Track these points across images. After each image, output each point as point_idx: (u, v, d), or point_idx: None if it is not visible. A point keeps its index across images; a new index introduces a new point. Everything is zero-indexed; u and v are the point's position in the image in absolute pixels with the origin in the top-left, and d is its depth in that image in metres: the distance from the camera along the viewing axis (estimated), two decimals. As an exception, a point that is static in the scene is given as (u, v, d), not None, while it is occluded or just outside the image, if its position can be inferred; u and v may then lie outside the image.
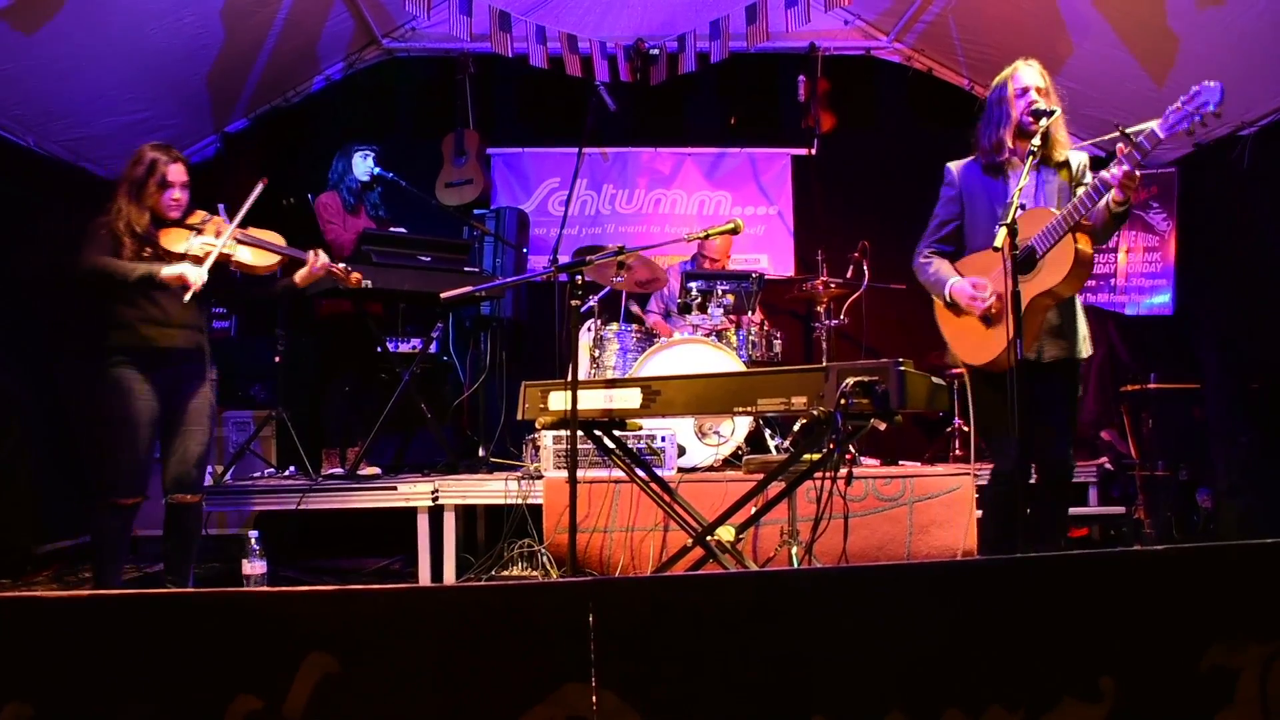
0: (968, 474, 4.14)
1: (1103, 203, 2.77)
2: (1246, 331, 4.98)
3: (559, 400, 2.95)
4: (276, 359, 5.06)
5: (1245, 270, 4.98)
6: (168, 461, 3.40)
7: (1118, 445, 5.19)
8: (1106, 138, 2.78)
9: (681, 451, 4.39)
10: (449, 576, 4.23)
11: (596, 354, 4.83)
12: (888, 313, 5.86)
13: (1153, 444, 5.05)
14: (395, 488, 4.33)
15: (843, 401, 2.38)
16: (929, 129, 6.06)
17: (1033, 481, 3.03)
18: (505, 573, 4.15)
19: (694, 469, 4.40)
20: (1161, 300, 5.69)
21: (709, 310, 4.81)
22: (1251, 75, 4.42)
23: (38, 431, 4.79)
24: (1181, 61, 4.64)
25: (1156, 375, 5.16)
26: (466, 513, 4.74)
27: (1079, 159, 3.07)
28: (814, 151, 6.29)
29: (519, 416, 3.08)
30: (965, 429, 4.92)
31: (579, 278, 2.91)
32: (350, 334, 4.91)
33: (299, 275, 3.61)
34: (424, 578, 4.21)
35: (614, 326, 4.99)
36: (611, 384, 2.87)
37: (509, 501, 4.23)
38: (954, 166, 3.22)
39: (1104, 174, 2.72)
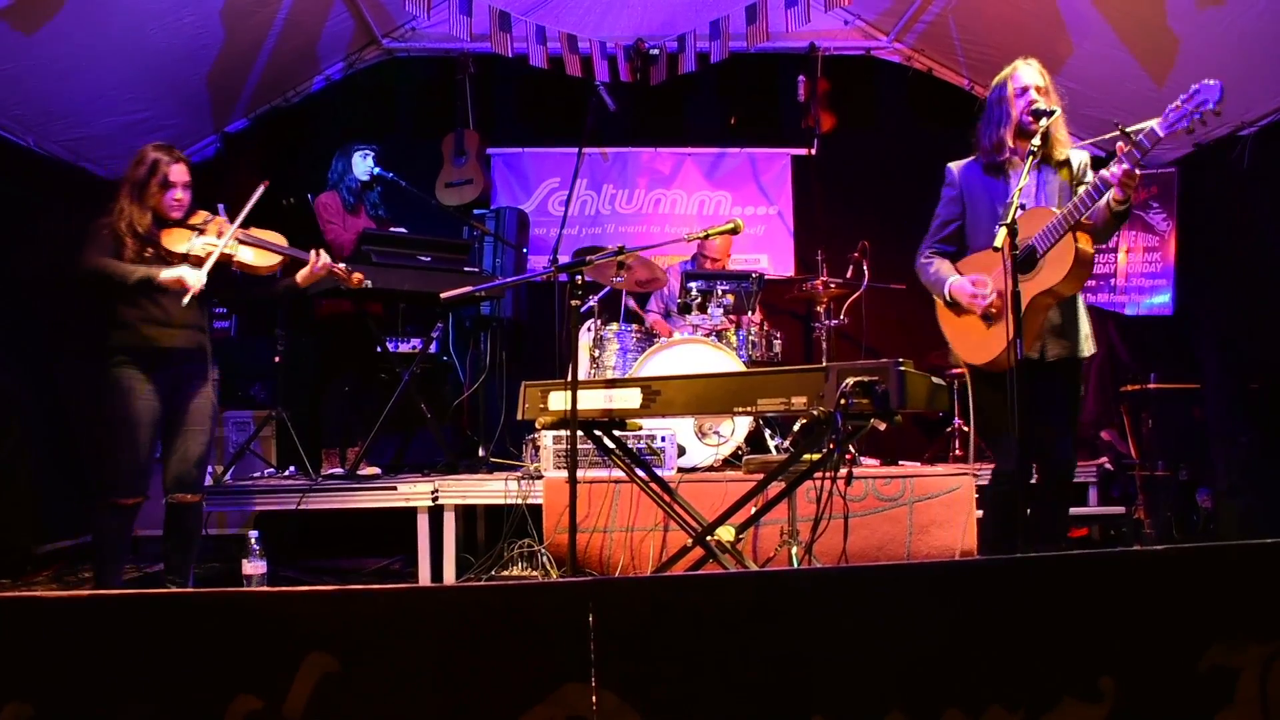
0: (968, 474, 4.14)
1: (1103, 201, 2.77)
2: (1246, 331, 4.98)
3: (559, 400, 2.95)
4: (276, 359, 5.06)
5: (1245, 270, 4.98)
6: (168, 461, 3.40)
7: (1118, 445, 5.19)
8: (1106, 136, 2.78)
9: (681, 451, 4.39)
10: (449, 576, 4.23)
11: (596, 354, 4.83)
12: (888, 313, 5.86)
13: (1153, 444, 5.05)
14: (395, 488, 4.33)
15: (843, 401, 2.38)
16: (929, 129, 6.06)
17: (1034, 481, 3.03)
18: (505, 573, 4.15)
19: (694, 469, 4.40)
20: (1161, 300, 5.69)
21: (709, 310, 4.81)
22: (1251, 75, 4.42)
23: (38, 431, 4.80)
24: (1181, 61, 4.64)
25: (1156, 375, 5.17)
26: (466, 513, 4.74)
27: (1080, 158, 3.07)
28: (814, 151, 6.28)
29: (519, 416, 3.08)
30: (965, 429, 4.92)
31: (579, 278, 2.91)
32: (350, 334, 4.91)
33: (300, 275, 3.61)
34: (424, 578, 4.21)
35: (614, 326, 4.99)
36: (611, 384, 2.87)
37: (509, 501, 4.23)
38: (955, 166, 3.23)
39: (1104, 172, 2.72)
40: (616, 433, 3.12)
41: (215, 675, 1.38)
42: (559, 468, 4.22)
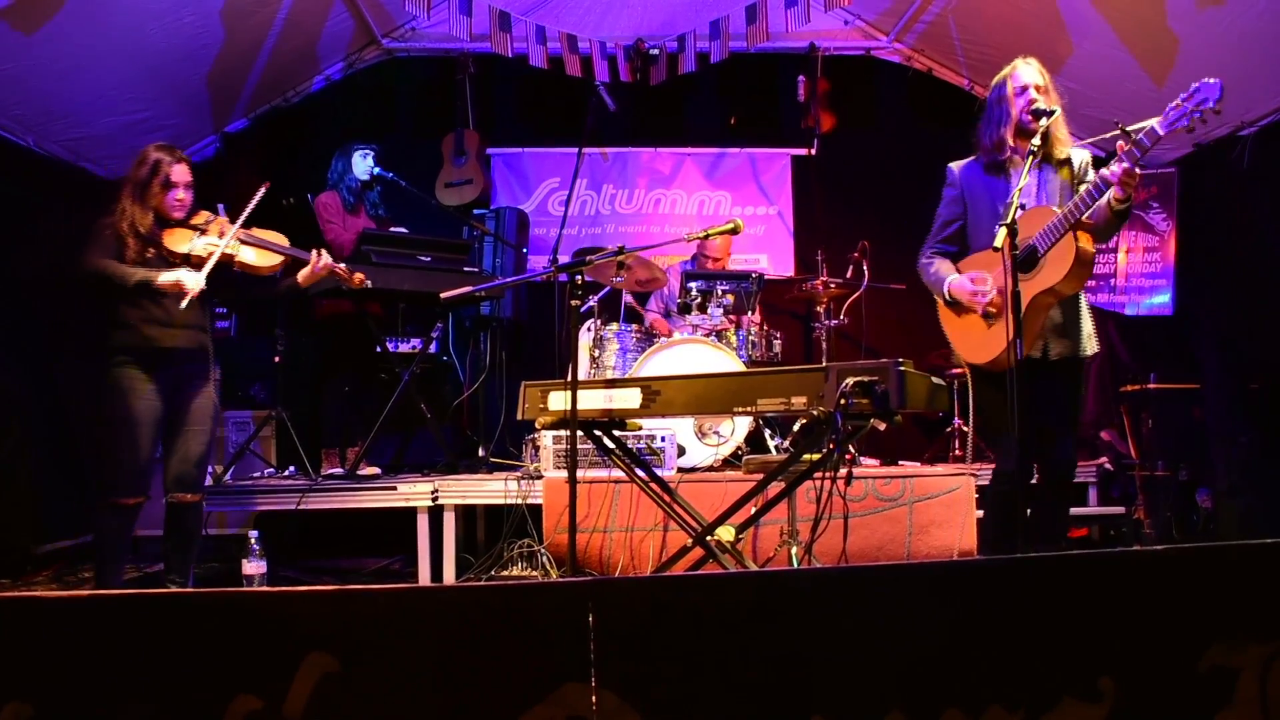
0: (967, 474, 4.14)
1: (1103, 200, 2.78)
2: (1246, 331, 4.98)
3: (559, 400, 2.95)
4: (276, 359, 5.06)
5: (1245, 270, 4.98)
6: (169, 461, 3.40)
7: (1118, 445, 5.19)
8: (1106, 135, 2.78)
9: (681, 451, 4.38)
10: (449, 576, 4.23)
11: (596, 354, 4.83)
12: (888, 313, 5.87)
13: (1153, 444, 5.05)
14: (395, 488, 4.33)
15: (843, 401, 2.38)
16: (929, 129, 6.06)
17: (1034, 481, 3.03)
18: (505, 573, 4.15)
19: (694, 469, 4.40)
20: (1161, 300, 5.69)
21: (709, 310, 4.81)
22: (1251, 75, 4.42)
23: (38, 431, 4.80)
24: (1181, 62, 4.64)
25: (1156, 375, 5.17)
26: (466, 513, 4.74)
27: (1081, 157, 3.07)
28: (814, 151, 6.28)
29: (519, 416, 3.08)
30: (965, 429, 4.92)
31: (579, 278, 2.91)
32: (350, 334, 4.91)
33: (301, 275, 3.61)
34: (424, 578, 4.21)
35: (614, 326, 4.99)
36: (611, 384, 2.87)
37: (509, 501, 4.23)
38: (955, 166, 3.23)
39: (1104, 171, 2.73)
40: (616, 433, 3.12)
41: (215, 675, 1.38)
42: (559, 468, 4.22)
